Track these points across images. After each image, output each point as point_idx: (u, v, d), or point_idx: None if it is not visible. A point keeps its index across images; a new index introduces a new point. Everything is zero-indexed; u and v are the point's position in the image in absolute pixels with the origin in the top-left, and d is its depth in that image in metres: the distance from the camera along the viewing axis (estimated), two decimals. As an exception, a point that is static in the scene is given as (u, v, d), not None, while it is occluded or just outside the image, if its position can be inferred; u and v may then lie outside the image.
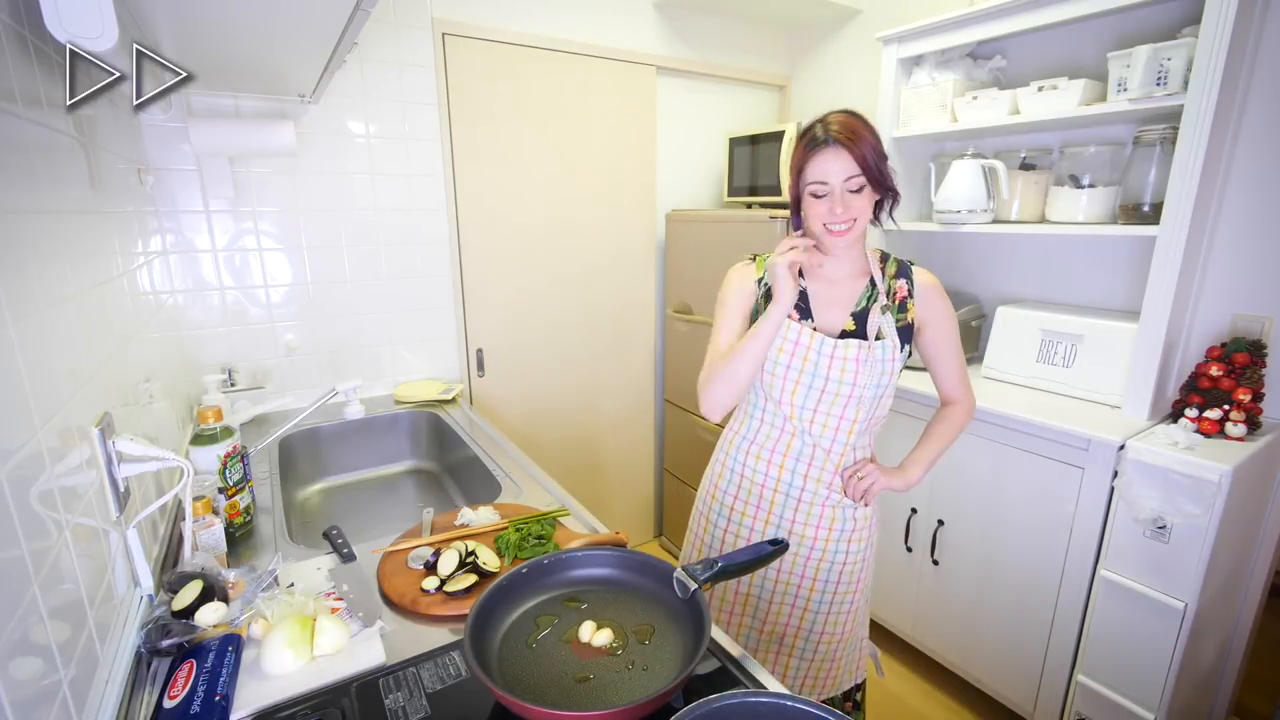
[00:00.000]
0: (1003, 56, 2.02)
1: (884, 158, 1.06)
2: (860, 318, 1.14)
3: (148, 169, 1.63)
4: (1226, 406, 1.50)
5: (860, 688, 1.37)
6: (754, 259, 1.21)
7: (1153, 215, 1.59)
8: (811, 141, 1.05)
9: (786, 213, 2.14)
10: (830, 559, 1.22)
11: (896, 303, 1.15)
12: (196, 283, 1.78)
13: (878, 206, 1.12)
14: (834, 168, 1.04)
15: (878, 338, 1.12)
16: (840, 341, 1.11)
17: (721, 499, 1.29)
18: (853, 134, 1.02)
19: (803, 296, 1.16)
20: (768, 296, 1.16)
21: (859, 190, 1.05)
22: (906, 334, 1.15)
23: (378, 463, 1.89)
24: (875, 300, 1.14)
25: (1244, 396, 1.49)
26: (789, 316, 1.14)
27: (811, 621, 1.23)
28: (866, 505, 1.21)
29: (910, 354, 1.17)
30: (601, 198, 2.45)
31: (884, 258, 1.18)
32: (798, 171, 1.08)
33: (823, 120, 1.06)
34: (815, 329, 1.13)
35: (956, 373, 1.23)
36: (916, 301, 1.16)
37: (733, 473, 1.27)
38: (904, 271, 1.17)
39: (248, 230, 1.82)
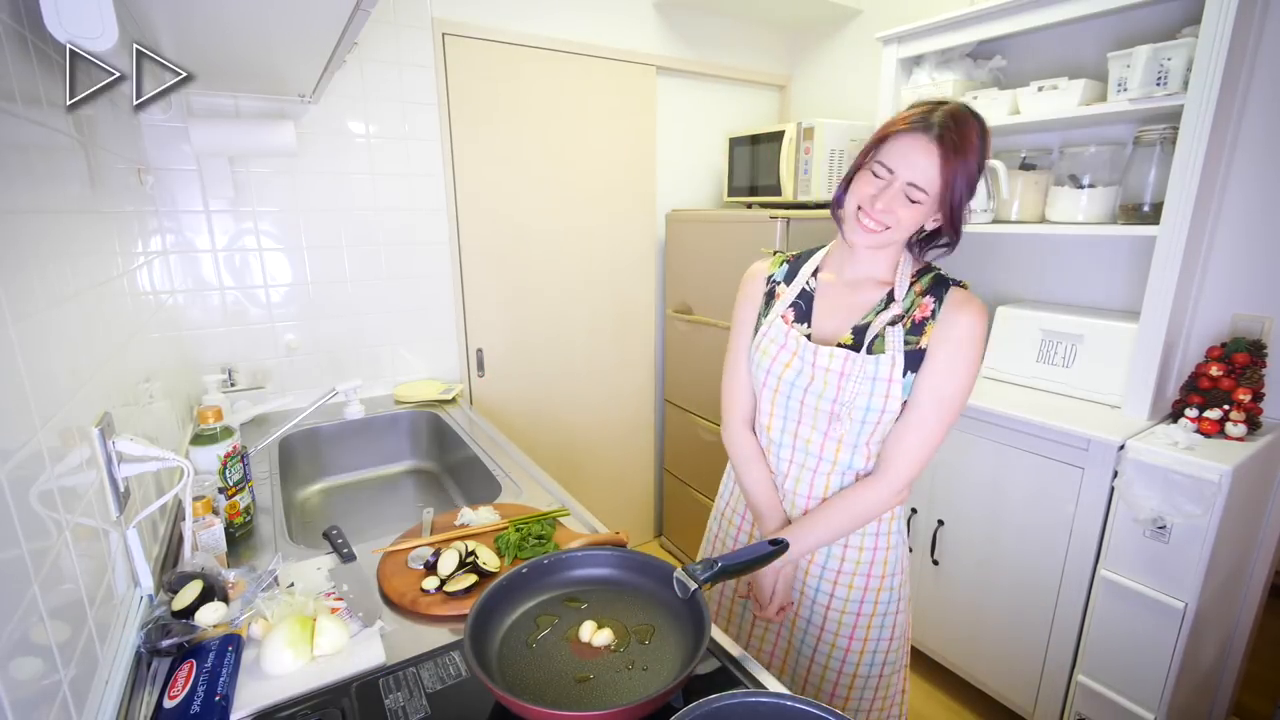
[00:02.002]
0: (1003, 56, 2.02)
1: (972, 192, 0.89)
2: (860, 332, 0.98)
3: (148, 169, 1.63)
4: (1226, 406, 1.50)
5: None
6: (774, 254, 1.12)
7: (1153, 215, 1.59)
8: (917, 121, 0.87)
9: (787, 213, 2.14)
10: (811, 597, 1.08)
11: (913, 321, 0.96)
12: (196, 283, 1.78)
13: (929, 238, 0.98)
14: (914, 160, 0.87)
15: (872, 351, 0.95)
16: (824, 350, 0.97)
17: (728, 514, 1.23)
18: (961, 144, 0.86)
19: (805, 297, 1.04)
20: (770, 295, 1.08)
21: (915, 203, 0.89)
22: (915, 361, 0.95)
23: (378, 463, 1.89)
24: (884, 312, 0.97)
25: (1244, 396, 1.49)
26: (782, 317, 1.04)
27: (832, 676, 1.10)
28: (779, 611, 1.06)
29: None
30: (601, 197, 2.45)
31: (922, 271, 1.00)
32: (878, 139, 0.92)
33: (943, 107, 0.89)
34: (809, 335, 1.01)
35: (915, 429, 0.95)
36: (939, 325, 0.94)
37: (732, 485, 1.22)
38: (938, 290, 0.96)
39: (248, 230, 1.82)
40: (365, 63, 1.89)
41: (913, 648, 2.08)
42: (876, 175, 0.91)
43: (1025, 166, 1.91)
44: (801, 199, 2.26)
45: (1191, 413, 1.53)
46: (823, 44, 2.66)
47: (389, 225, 2.02)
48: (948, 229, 0.94)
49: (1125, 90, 1.57)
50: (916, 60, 2.05)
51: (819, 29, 2.67)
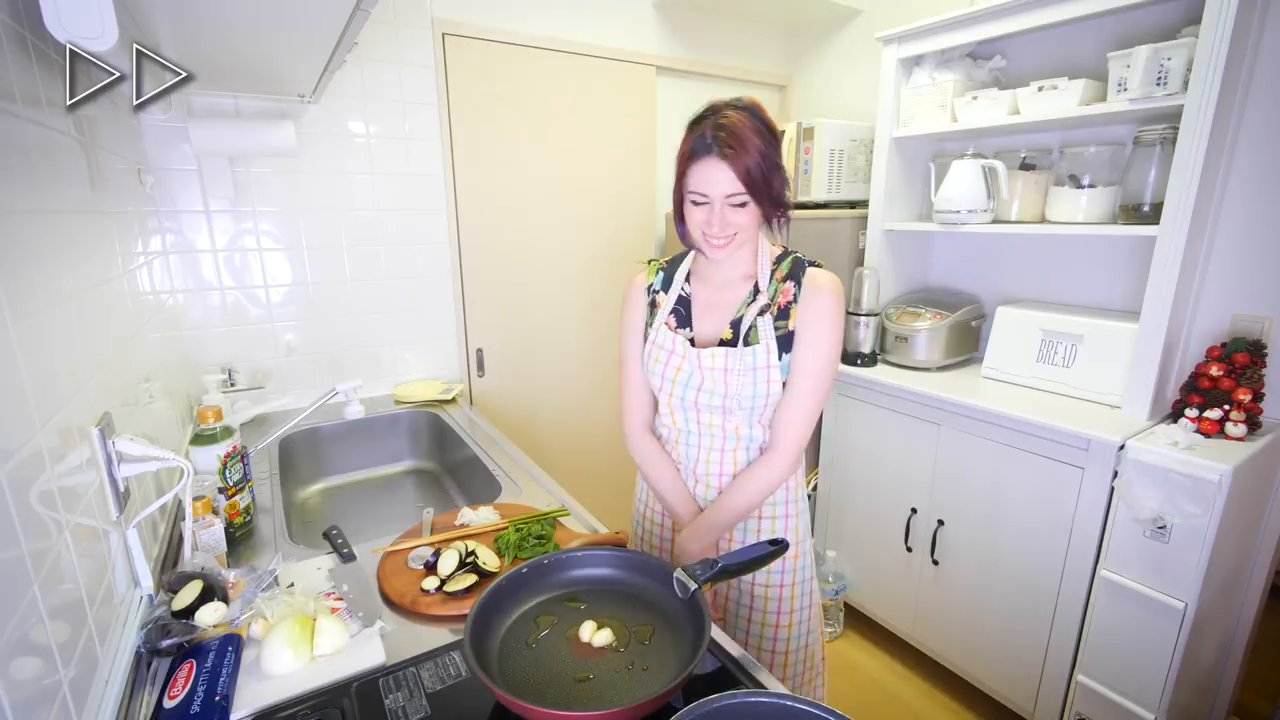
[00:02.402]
0: (1003, 56, 2.02)
1: (775, 168, 0.97)
2: (737, 326, 1.05)
3: (148, 169, 1.63)
4: (1226, 406, 1.50)
5: None
6: (649, 262, 1.18)
7: (1153, 215, 1.59)
8: (694, 147, 0.96)
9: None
10: (735, 580, 1.13)
11: (779, 308, 1.04)
12: (196, 283, 1.78)
13: (775, 212, 1.02)
14: (715, 178, 0.95)
15: (748, 342, 1.03)
16: (705, 351, 1.04)
17: (649, 515, 1.25)
18: (738, 142, 0.93)
19: (684, 302, 1.11)
20: (652, 305, 1.13)
21: (742, 205, 0.97)
22: (786, 345, 1.03)
23: (378, 463, 1.89)
24: (753, 304, 1.05)
25: (1244, 396, 1.49)
26: (666, 324, 1.10)
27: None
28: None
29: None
30: (601, 197, 2.45)
31: (781, 256, 1.08)
32: (680, 174, 1.01)
33: (713, 117, 0.96)
34: (692, 339, 1.08)
35: (798, 404, 1.04)
36: (800, 307, 1.03)
37: (647, 488, 1.24)
38: (797, 273, 1.05)
39: (248, 230, 1.82)
40: (365, 63, 1.89)
41: (912, 647, 2.09)
42: (697, 203, 0.99)
43: (1025, 166, 1.91)
44: (801, 199, 2.26)
45: (1191, 413, 1.53)
46: (823, 44, 2.66)
47: (389, 225, 2.02)
48: (770, 209, 0.99)
49: (1125, 90, 1.57)
50: (916, 60, 2.05)
51: (819, 29, 2.67)
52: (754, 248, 1.08)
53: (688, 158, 0.98)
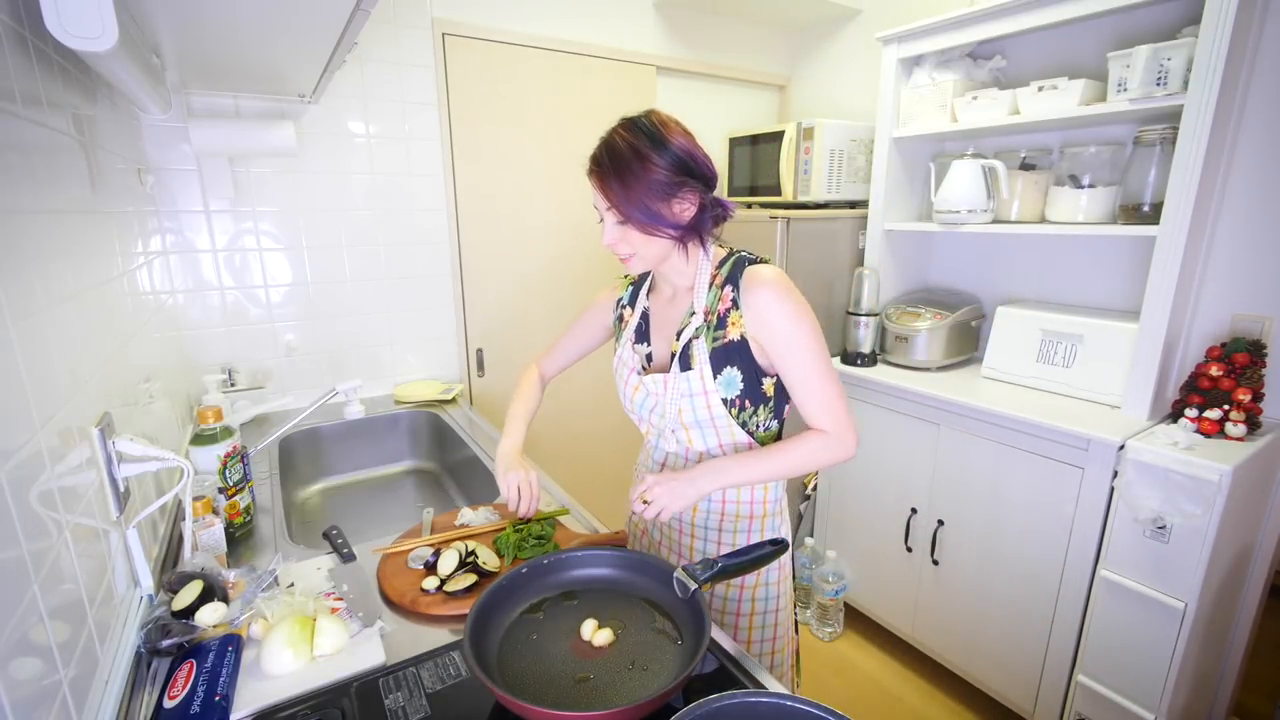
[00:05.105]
0: (1003, 56, 2.02)
1: (654, 190, 0.91)
2: (683, 340, 1.03)
3: (148, 169, 1.63)
4: (1226, 406, 1.50)
5: None
6: (624, 278, 1.20)
7: (1153, 215, 1.59)
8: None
9: (787, 213, 2.14)
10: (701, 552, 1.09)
11: (718, 316, 0.99)
12: (196, 283, 1.78)
13: (664, 233, 0.96)
14: (595, 194, 0.96)
15: (684, 366, 1.00)
16: (649, 378, 1.04)
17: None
18: (606, 159, 0.93)
19: (644, 317, 1.11)
20: (620, 320, 1.16)
21: (622, 223, 0.95)
22: (730, 356, 0.98)
23: (378, 463, 1.89)
24: (689, 326, 1.01)
25: (1244, 396, 1.49)
26: (630, 341, 1.11)
27: None
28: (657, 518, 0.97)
29: (751, 379, 0.98)
30: (601, 198, 2.45)
31: (724, 259, 1.02)
32: None
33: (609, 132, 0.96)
34: (649, 354, 1.09)
35: (814, 398, 0.97)
36: (744, 311, 0.97)
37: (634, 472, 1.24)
38: (735, 275, 0.99)
39: (248, 230, 1.82)
40: (365, 63, 1.89)
41: (912, 647, 2.09)
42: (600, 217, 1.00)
43: (1025, 166, 1.91)
44: (801, 199, 2.26)
45: (1191, 413, 1.53)
46: (823, 44, 2.66)
47: (389, 225, 2.02)
48: (654, 231, 0.95)
49: (1125, 90, 1.57)
50: (916, 60, 2.05)
51: (819, 29, 2.67)
52: (683, 256, 1.01)
53: None
